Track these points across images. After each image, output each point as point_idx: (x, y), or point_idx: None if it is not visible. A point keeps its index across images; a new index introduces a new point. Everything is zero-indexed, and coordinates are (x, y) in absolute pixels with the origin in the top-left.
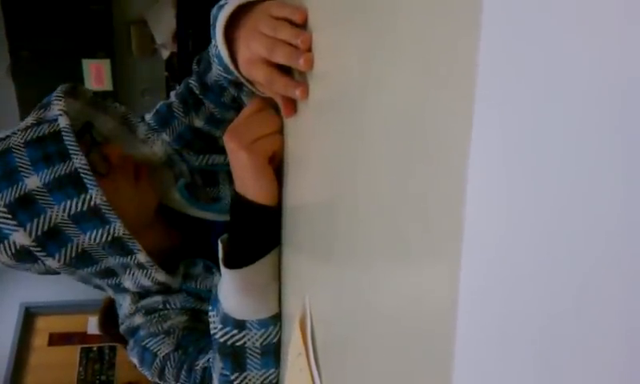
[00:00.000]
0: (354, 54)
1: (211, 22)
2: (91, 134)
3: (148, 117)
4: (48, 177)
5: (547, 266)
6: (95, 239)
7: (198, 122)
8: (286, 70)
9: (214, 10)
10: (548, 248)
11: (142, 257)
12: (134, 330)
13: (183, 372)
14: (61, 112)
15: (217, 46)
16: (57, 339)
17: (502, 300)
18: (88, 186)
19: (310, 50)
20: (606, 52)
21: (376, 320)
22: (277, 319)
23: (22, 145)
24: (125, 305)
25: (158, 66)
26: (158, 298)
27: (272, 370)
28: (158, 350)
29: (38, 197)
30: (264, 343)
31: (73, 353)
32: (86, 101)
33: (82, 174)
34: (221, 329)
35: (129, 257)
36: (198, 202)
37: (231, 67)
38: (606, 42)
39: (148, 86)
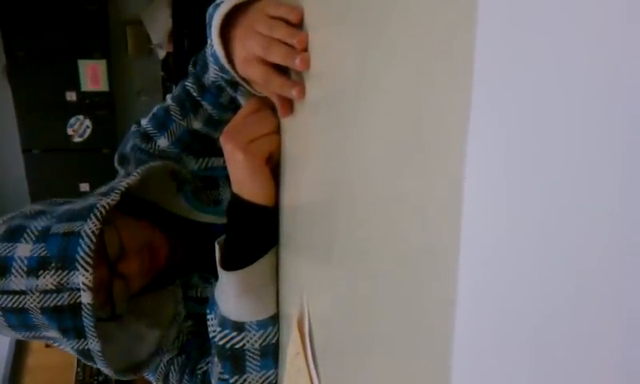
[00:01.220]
0: (350, 54)
1: (207, 21)
2: (104, 245)
3: (144, 121)
4: (63, 342)
5: (544, 265)
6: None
7: (197, 124)
8: (282, 70)
9: (209, 9)
10: (545, 246)
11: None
12: None
13: (185, 376)
14: (85, 287)
15: (213, 46)
16: None
17: (499, 298)
18: (98, 363)
19: (306, 49)
20: (605, 50)
21: (374, 319)
22: (275, 320)
23: (38, 310)
24: None
25: (154, 66)
26: None
27: (271, 371)
28: None
29: (56, 339)
30: (263, 344)
31: (71, 354)
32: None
33: (94, 356)
34: (219, 332)
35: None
36: (201, 205)
37: (227, 67)
38: (605, 41)
39: (144, 86)
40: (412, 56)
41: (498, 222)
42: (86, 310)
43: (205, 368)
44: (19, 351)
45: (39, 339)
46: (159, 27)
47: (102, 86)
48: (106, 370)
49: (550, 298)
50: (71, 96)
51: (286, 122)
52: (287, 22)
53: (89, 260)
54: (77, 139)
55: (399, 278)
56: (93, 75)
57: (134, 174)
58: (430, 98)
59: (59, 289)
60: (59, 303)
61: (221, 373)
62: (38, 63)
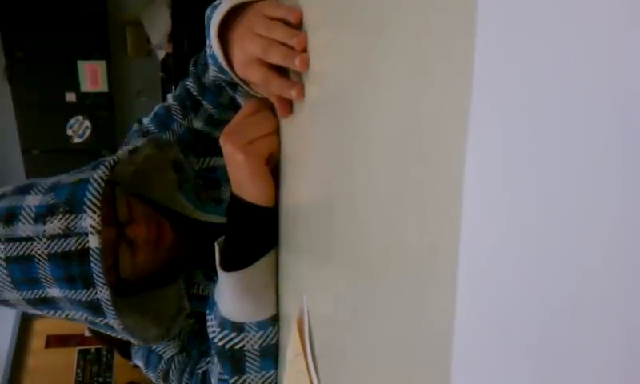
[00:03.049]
0: (350, 54)
1: (205, 23)
2: (115, 206)
3: (146, 120)
4: (69, 295)
5: (544, 265)
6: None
7: (197, 124)
8: (281, 71)
9: (208, 11)
10: (545, 247)
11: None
12: None
13: (185, 375)
14: (92, 230)
15: (211, 47)
16: (54, 341)
17: (500, 301)
18: (108, 315)
19: (305, 50)
20: (605, 51)
21: (374, 320)
22: (275, 320)
23: (45, 257)
24: None
25: (153, 67)
26: None
27: (271, 372)
28: (164, 352)
29: (59, 302)
30: (263, 345)
31: (70, 355)
32: (123, 165)
33: (103, 306)
34: (219, 332)
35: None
36: (202, 204)
37: (226, 68)
38: (605, 42)
39: (144, 87)
40: (412, 56)
41: (498, 223)
42: (93, 255)
43: (205, 368)
44: (19, 352)
45: (42, 305)
46: (159, 28)
47: (102, 86)
48: (115, 323)
49: (550, 299)
50: (71, 97)
51: (286, 123)
52: (286, 23)
53: (97, 202)
54: (76, 140)
55: (399, 278)
56: (92, 76)
57: (139, 142)
58: (429, 98)
59: (67, 233)
60: (67, 249)
61: (221, 373)
62: (37, 64)
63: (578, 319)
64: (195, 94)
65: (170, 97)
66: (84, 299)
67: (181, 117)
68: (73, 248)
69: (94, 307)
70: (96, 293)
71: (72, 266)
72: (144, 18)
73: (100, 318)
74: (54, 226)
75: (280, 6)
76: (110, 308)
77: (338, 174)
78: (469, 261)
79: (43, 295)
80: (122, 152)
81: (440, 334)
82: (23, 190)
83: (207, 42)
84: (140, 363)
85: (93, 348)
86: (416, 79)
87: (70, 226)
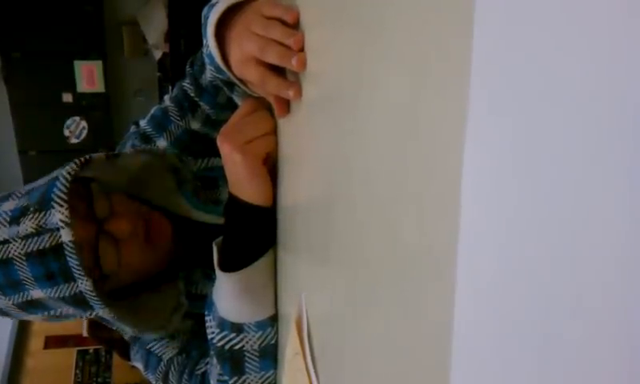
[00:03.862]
0: (347, 54)
1: (202, 22)
2: (92, 203)
3: (143, 122)
4: (53, 293)
5: (543, 264)
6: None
7: (195, 125)
8: (278, 70)
9: (204, 10)
10: (544, 246)
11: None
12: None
13: (185, 376)
14: (62, 224)
15: (208, 46)
16: (53, 342)
17: (499, 300)
18: (95, 306)
19: (302, 49)
20: (604, 49)
21: (373, 319)
22: (274, 320)
23: (22, 257)
24: None
25: (150, 67)
26: None
27: (271, 372)
28: (163, 353)
29: (45, 302)
30: (262, 345)
31: (69, 355)
32: (97, 165)
33: (88, 298)
34: (218, 333)
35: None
36: (202, 205)
37: (223, 67)
38: (604, 39)
39: (140, 86)
40: (409, 55)
41: (497, 222)
42: (68, 248)
43: (204, 369)
44: (17, 353)
45: (31, 308)
46: (155, 27)
47: (98, 86)
48: (105, 313)
49: (549, 299)
50: (67, 97)
51: (283, 123)
52: (283, 23)
53: (64, 196)
54: (73, 140)
55: (398, 277)
56: (89, 76)
57: (130, 149)
58: (427, 97)
59: (39, 231)
60: (41, 246)
61: (220, 374)
62: (34, 64)
63: (578, 319)
64: (192, 95)
65: (166, 98)
66: (67, 295)
67: (178, 118)
68: (47, 245)
69: (80, 301)
70: (77, 285)
71: (49, 263)
72: (140, 18)
73: (89, 311)
74: (27, 225)
75: (277, 5)
76: (95, 298)
77: (336, 173)
78: (468, 261)
79: (29, 298)
80: (99, 154)
81: (439, 333)
82: (3, 198)
83: (204, 42)
84: (139, 365)
85: (91, 349)
86: (414, 79)
87: (41, 223)
